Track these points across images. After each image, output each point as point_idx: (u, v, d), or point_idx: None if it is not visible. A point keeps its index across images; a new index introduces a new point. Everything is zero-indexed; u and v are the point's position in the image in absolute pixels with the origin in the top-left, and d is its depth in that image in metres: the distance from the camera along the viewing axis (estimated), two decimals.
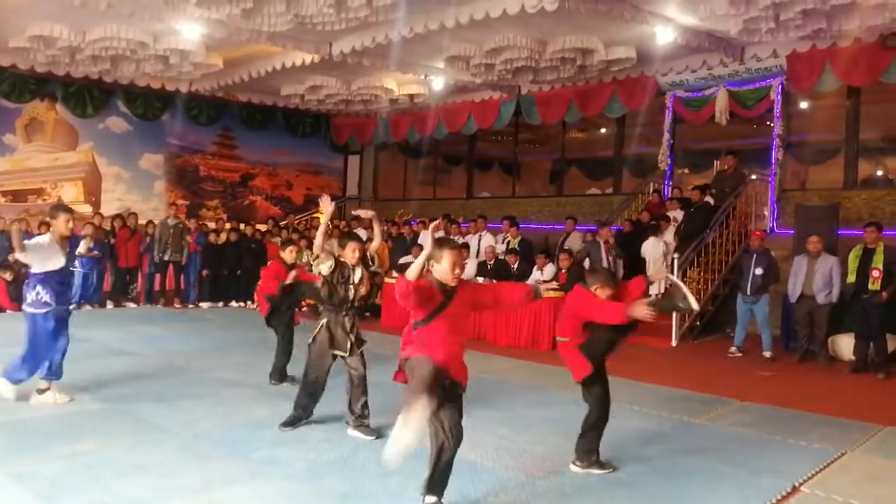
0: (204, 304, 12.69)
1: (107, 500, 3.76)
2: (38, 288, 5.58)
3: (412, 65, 12.20)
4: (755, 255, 8.97)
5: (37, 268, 5.61)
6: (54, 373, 5.71)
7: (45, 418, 5.24)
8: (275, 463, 4.44)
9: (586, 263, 10.16)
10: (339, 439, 4.96)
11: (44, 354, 5.63)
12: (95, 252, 11.58)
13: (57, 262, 5.64)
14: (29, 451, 4.50)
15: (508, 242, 11.59)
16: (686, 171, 14.60)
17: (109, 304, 12.05)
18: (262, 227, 14.63)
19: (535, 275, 10.30)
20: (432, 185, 17.83)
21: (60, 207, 5.88)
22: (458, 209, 14.95)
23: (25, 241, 5.53)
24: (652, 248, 10.67)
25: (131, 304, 12.32)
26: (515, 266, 10.66)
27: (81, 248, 11.69)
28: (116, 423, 5.18)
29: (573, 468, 4.50)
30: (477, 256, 11.32)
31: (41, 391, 5.67)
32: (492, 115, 14.46)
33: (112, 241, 12.20)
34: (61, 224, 5.64)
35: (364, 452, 4.68)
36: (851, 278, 8.21)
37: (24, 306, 5.68)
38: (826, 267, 8.46)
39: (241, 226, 13.63)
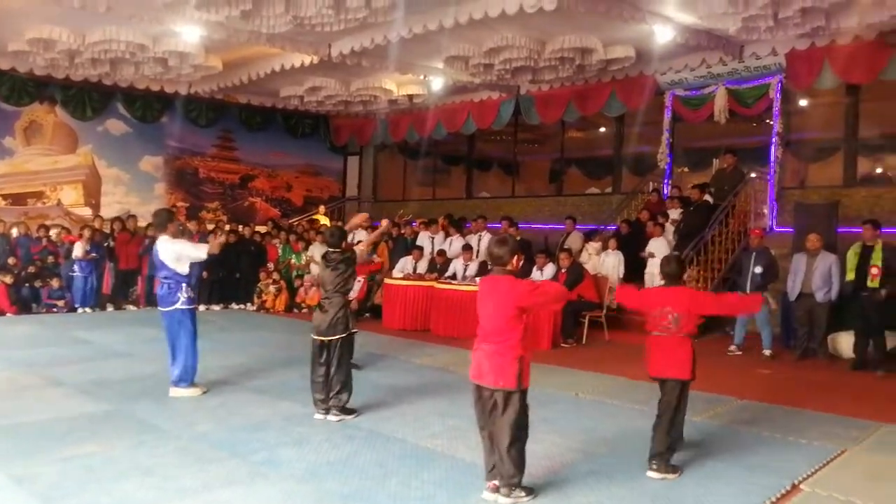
0: (203, 307, 12.68)
1: (107, 502, 3.77)
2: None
3: (411, 65, 12.19)
4: (754, 254, 8.97)
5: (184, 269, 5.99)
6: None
7: (46, 421, 5.25)
8: (275, 464, 4.44)
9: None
10: (338, 441, 4.96)
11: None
12: (93, 255, 11.61)
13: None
14: (29, 453, 4.50)
15: None
16: (685, 169, 14.60)
17: (109, 307, 12.05)
18: (262, 229, 14.64)
19: (535, 274, 10.28)
20: (432, 185, 17.84)
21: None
22: (458, 209, 14.93)
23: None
24: (657, 248, 10.61)
25: (131, 307, 12.32)
26: (521, 264, 10.65)
27: (78, 251, 11.76)
28: (116, 425, 5.18)
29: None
30: (478, 256, 11.30)
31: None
32: (491, 115, 14.46)
33: (112, 243, 12.20)
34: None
35: (364, 454, 4.68)
36: (850, 276, 8.21)
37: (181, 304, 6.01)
38: (825, 265, 8.45)
39: (240, 227, 13.63)
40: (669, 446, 4.47)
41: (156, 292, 6.16)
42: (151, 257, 6.08)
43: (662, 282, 4.81)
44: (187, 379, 6.07)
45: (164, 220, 6.07)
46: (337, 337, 5.44)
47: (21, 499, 3.81)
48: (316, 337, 5.53)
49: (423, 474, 4.30)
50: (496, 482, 3.94)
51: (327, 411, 5.46)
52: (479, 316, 3.99)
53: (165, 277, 5.97)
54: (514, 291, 3.89)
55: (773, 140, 11.26)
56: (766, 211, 11.36)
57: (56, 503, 3.75)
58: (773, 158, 11.28)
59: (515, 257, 4.05)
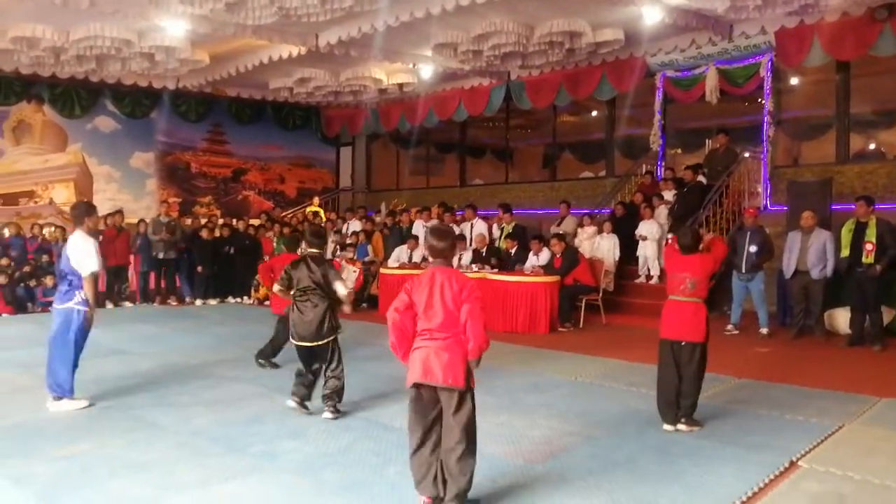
0: (200, 301, 12.66)
1: (104, 500, 3.76)
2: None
3: (399, 54, 12.12)
4: (749, 233, 8.97)
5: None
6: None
7: (42, 420, 5.23)
8: (272, 457, 4.43)
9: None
10: (336, 431, 4.95)
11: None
12: None
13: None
14: (26, 453, 4.48)
15: (503, 229, 11.56)
16: (679, 151, 14.59)
17: (108, 304, 12.02)
18: (256, 222, 14.59)
19: (532, 260, 10.29)
20: (425, 173, 17.79)
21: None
22: (452, 197, 14.90)
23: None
24: (647, 230, 10.66)
25: (128, 304, 12.28)
26: (514, 251, 10.67)
27: None
28: (113, 423, 5.16)
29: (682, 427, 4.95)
30: (470, 245, 11.29)
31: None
32: (482, 102, 14.41)
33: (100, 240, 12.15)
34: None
35: (361, 443, 4.67)
36: (845, 252, 8.22)
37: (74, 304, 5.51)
38: (820, 242, 8.46)
39: (234, 221, 13.58)
40: (694, 403, 5.00)
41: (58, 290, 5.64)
42: (59, 255, 5.61)
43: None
44: (66, 391, 5.48)
45: (82, 214, 5.62)
46: (325, 342, 5.25)
47: (19, 498, 3.80)
48: (299, 343, 5.29)
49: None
50: (434, 495, 3.56)
51: (302, 402, 5.32)
52: (420, 313, 3.58)
53: (68, 274, 5.49)
54: (462, 286, 3.56)
55: (765, 119, 11.24)
56: (759, 190, 11.35)
57: (54, 502, 3.73)
58: (765, 137, 11.26)
59: (456, 249, 3.87)
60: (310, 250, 5.46)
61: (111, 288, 12.35)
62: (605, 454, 4.48)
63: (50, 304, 11.37)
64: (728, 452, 4.49)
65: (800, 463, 4.29)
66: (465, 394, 3.55)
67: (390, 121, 16.47)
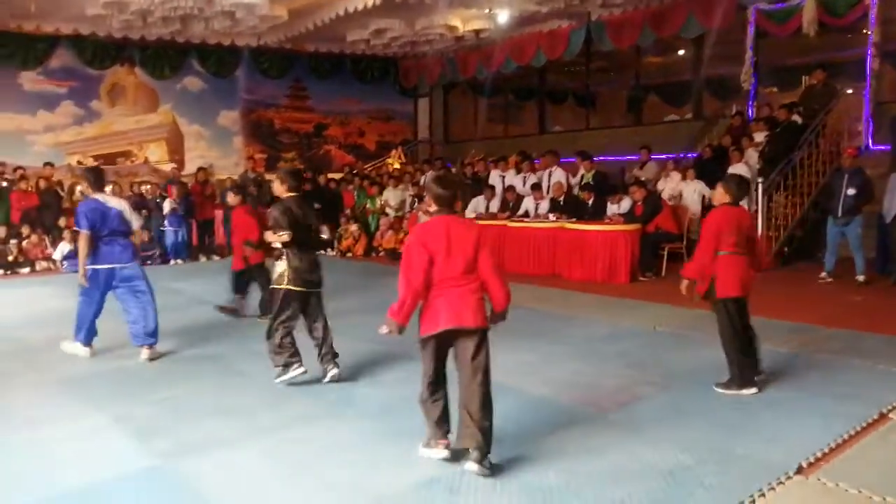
0: None
1: (195, 439, 4.02)
2: None
3: None
4: (847, 175, 8.41)
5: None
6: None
7: (141, 366, 5.61)
8: (350, 403, 4.60)
9: None
10: (412, 379, 5.04)
11: None
12: (176, 209, 12.11)
13: None
14: (126, 395, 4.84)
15: (583, 177, 11.28)
16: (774, 89, 13.75)
17: (202, 258, 12.64)
18: (336, 176, 14.87)
19: (612, 209, 10.06)
20: (504, 122, 17.53)
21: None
22: (532, 145, 14.63)
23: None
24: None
25: (216, 257, 12.86)
26: (591, 202, 10.42)
27: (166, 207, 12.15)
28: (203, 370, 5.48)
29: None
30: (548, 193, 11.10)
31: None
32: (561, 45, 13.96)
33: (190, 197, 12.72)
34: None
35: None
36: None
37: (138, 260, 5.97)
38: None
39: (314, 175, 13.88)
40: None
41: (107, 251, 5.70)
42: (104, 215, 5.59)
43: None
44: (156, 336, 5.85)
45: (102, 178, 5.95)
46: (321, 288, 5.01)
47: (119, 436, 4.12)
48: (309, 290, 4.98)
49: (494, 408, 4.33)
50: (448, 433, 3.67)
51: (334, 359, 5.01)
52: (437, 262, 3.48)
53: (125, 233, 5.76)
54: (478, 232, 3.56)
55: (870, 51, 10.37)
56: (860, 129, 10.58)
57: (149, 439, 4.03)
58: (868, 71, 10.41)
59: (459, 198, 3.71)
60: (289, 194, 5.05)
61: (202, 241, 12.97)
62: (680, 404, 4.40)
63: (148, 258, 12.09)
64: (812, 403, 4.33)
65: (891, 416, 4.09)
66: (485, 335, 3.57)
67: (467, 68, 16.24)
